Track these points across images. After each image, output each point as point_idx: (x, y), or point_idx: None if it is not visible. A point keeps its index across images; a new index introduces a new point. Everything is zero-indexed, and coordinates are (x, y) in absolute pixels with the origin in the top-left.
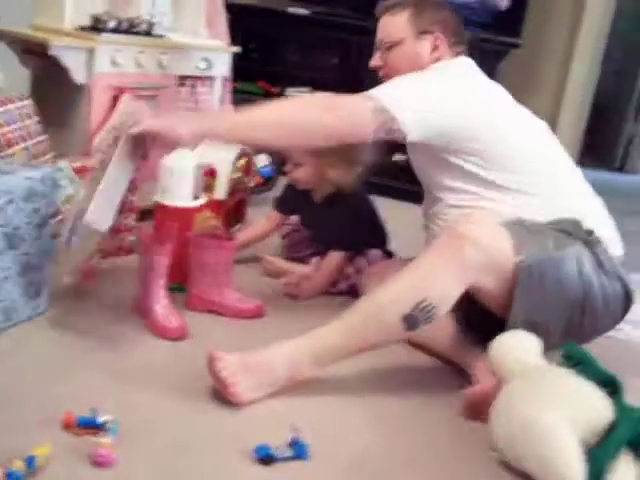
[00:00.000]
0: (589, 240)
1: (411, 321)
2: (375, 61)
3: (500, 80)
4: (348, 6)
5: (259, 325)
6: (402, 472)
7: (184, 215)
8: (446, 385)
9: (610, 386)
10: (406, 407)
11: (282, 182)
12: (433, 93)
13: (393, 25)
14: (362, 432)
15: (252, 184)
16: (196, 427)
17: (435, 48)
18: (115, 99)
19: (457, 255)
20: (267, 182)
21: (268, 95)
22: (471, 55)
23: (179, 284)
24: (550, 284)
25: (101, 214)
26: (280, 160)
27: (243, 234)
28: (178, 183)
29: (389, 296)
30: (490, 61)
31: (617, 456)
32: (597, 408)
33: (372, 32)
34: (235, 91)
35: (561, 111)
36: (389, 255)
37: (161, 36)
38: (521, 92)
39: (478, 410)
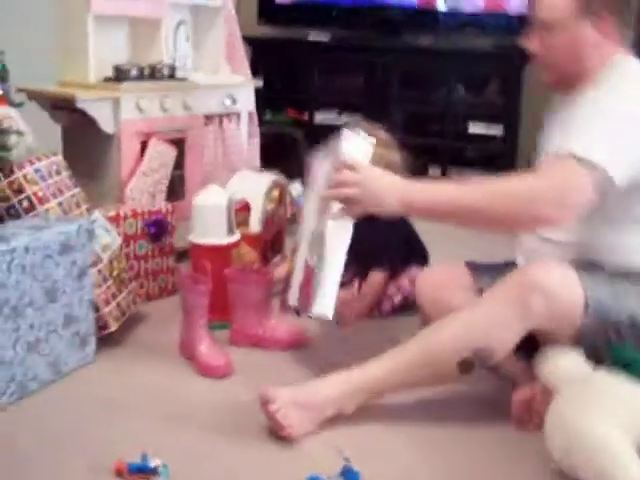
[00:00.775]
0: None
1: (467, 365)
2: (533, 43)
3: (526, 86)
4: (368, 28)
5: (303, 355)
6: None
7: (220, 252)
8: (487, 408)
9: None
10: (450, 430)
11: None
12: (626, 122)
13: (552, 2)
14: (410, 456)
15: (288, 214)
16: (246, 463)
17: (600, 34)
18: (144, 145)
19: (523, 304)
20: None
21: (297, 123)
22: (492, 64)
23: (223, 321)
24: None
25: (324, 300)
26: None
27: (288, 263)
28: (211, 221)
29: (446, 340)
30: (514, 67)
31: None
32: None
33: (393, 51)
34: (265, 122)
35: None
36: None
37: (184, 78)
38: (549, 97)
39: (527, 417)
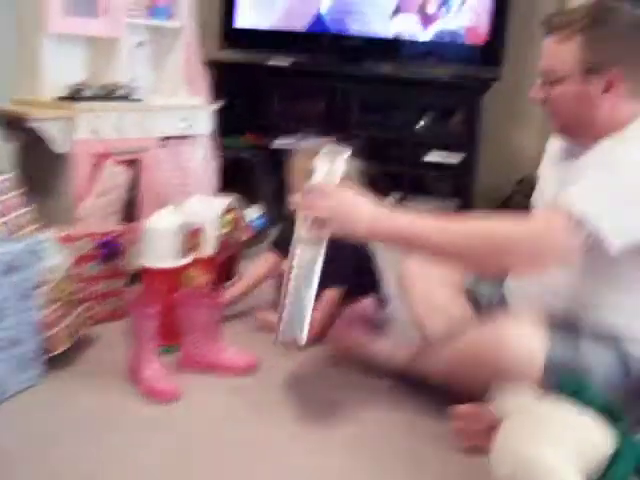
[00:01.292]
0: None
1: None
2: (535, 92)
3: (485, 114)
4: (329, 54)
5: (254, 380)
6: None
7: (170, 275)
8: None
9: (611, 413)
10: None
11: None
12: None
13: (556, 55)
14: None
15: (244, 238)
16: None
17: (609, 88)
18: (98, 166)
19: (490, 361)
20: (259, 235)
21: (257, 147)
22: (451, 93)
23: (172, 345)
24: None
25: (293, 326)
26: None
27: (241, 283)
28: (162, 243)
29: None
30: (472, 96)
31: None
32: (596, 440)
33: (354, 78)
34: (225, 147)
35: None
36: (382, 301)
37: (139, 99)
38: (508, 126)
39: (466, 434)
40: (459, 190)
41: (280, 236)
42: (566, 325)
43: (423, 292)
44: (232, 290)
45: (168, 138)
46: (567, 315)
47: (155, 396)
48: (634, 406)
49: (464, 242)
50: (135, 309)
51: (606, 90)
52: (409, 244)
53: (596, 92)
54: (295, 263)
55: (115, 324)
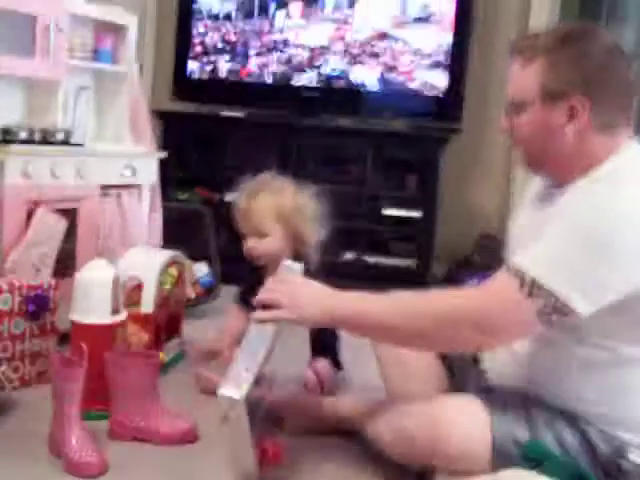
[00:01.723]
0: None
1: None
2: (502, 122)
3: (444, 168)
4: (284, 107)
5: (191, 451)
6: None
7: (102, 333)
8: None
9: None
10: None
11: (225, 291)
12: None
13: (519, 80)
14: None
15: (192, 295)
16: None
17: (572, 116)
18: (30, 214)
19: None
20: (208, 292)
21: (208, 201)
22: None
23: (104, 411)
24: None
25: (236, 381)
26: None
27: (222, 338)
28: (93, 297)
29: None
30: (432, 149)
31: None
32: None
33: (310, 131)
34: (174, 200)
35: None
36: (337, 364)
37: (80, 145)
38: (468, 180)
39: None
40: (418, 246)
41: (245, 288)
42: (526, 401)
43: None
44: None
45: (109, 187)
46: (530, 388)
47: (79, 469)
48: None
49: (415, 323)
50: (57, 369)
51: (570, 118)
52: (363, 329)
53: (559, 120)
54: (244, 340)
55: (44, 388)
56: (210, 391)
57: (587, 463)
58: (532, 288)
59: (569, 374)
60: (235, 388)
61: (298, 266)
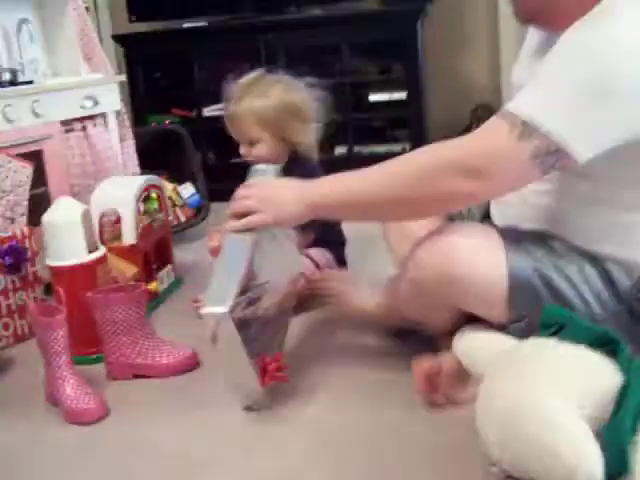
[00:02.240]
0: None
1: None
2: None
3: (428, 43)
4: (248, 7)
5: (194, 379)
6: None
7: (81, 273)
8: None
9: (608, 344)
10: (360, 424)
11: (215, 209)
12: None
13: None
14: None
15: (182, 218)
16: None
17: None
18: None
19: (442, 283)
20: (198, 213)
21: (187, 121)
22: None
23: (97, 353)
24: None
25: (218, 296)
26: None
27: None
28: (64, 239)
29: None
30: (408, 24)
31: (638, 424)
32: (597, 374)
33: (278, 28)
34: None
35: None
36: (342, 262)
37: (29, 82)
38: (453, 54)
39: (431, 389)
40: (410, 129)
41: None
42: (543, 245)
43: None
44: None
45: (72, 121)
46: (545, 236)
47: (77, 417)
48: (632, 331)
49: (400, 185)
50: (35, 319)
51: None
52: (347, 211)
53: None
54: (222, 254)
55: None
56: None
57: (610, 301)
58: (524, 130)
59: (573, 214)
60: (218, 304)
61: (272, 167)
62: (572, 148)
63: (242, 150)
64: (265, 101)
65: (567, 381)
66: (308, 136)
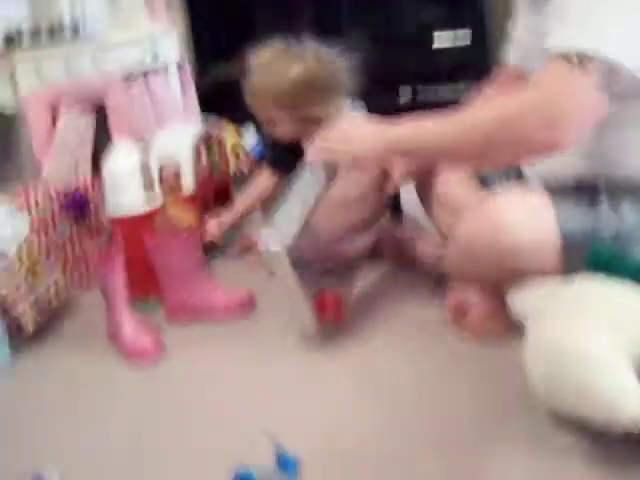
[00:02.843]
0: None
1: None
2: None
3: None
4: None
5: (250, 322)
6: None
7: (138, 221)
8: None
9: None
10: (407, 368)
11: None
12: None
13: None
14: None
15: (246, 168)
16: (166, 460)
17: None
18: (55, 118)
19: (490, 249)
20: (261, 162)
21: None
22: None
23: (157, 298)
24: None
25: (277, 233)
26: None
27: (239, 203)
28: (120, 188)
29: None
30: None
31: None
32: None
33: None
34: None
35: None
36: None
37: (91, 36)
38: None
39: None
40: (473, 71)
41: (274, 153)
42: (583, 189)
43: (437, 193)
44: (231, 213)
45: (133, 74)
46: (584, 177)
47: (136, 355)
48: None
49: (480, 130)
50: (97, 264)
51: None
52: (429, 152)
53: None
54: (294, 188)
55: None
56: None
57: None
58: (582, 62)
59: (610, 142)
60: (277, 240)
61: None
62: (625, 62)
63: (264, 126)
64: (282, 81)
65: (614, 318)
66: (331, 112)
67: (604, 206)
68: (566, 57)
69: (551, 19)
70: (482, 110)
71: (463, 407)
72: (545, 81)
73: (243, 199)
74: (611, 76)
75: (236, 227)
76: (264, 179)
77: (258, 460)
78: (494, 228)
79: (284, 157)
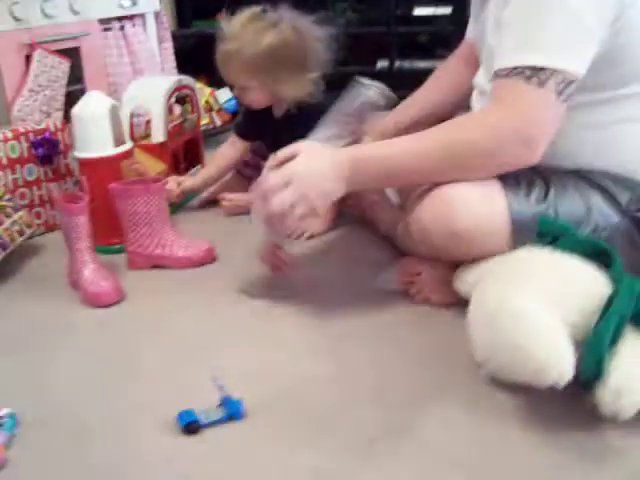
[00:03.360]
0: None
1: None
2: None
3: None
4: None
5: (209, 272)
6: (362, 413)
7: (105, 166)
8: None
9: (601, 257)
10: (357, 326)
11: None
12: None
13: None
14: (308, 368)
15: (218, 122)
16: (110, 407)
17: None
18: (29, 59)
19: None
20: (234, 117)
21: None
22: None
23: (119, 244)
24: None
25: None
26: None
27: (205, 170)
28: (91, 131)
29: None
30: None
31: (619, 334)
32: (584, 283)
33: None
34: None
35: None
36: None
37: None
38: None
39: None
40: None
41: (243, 120)
42: (539, 182)
43: None
44: (194, 177)
45: (110, 20)
46: (539, 170)
47: (94, 299)
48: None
49: (453, 161)
50: (59, 206)
51: None
52: (397, 182)
53: None
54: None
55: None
56: (234, 212)
57: (615, 218)
58: (537, 75)
59: (569, 134)
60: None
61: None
62: (573, 68)
63: (235, 93)
64: (255, 47)
65: (554, 286)
66: (303, 87)
67: (552, 192)
68: (519, 73)
69: (495, 33)
70: (455, 135)
71: (405, 366)
72: (509, 100)
73: (208, 167)
74: (569, 82)
75: (197, 191)
76: (230, 147)
77: (204, 404)
78: (447, 213)
79: (252, 125)
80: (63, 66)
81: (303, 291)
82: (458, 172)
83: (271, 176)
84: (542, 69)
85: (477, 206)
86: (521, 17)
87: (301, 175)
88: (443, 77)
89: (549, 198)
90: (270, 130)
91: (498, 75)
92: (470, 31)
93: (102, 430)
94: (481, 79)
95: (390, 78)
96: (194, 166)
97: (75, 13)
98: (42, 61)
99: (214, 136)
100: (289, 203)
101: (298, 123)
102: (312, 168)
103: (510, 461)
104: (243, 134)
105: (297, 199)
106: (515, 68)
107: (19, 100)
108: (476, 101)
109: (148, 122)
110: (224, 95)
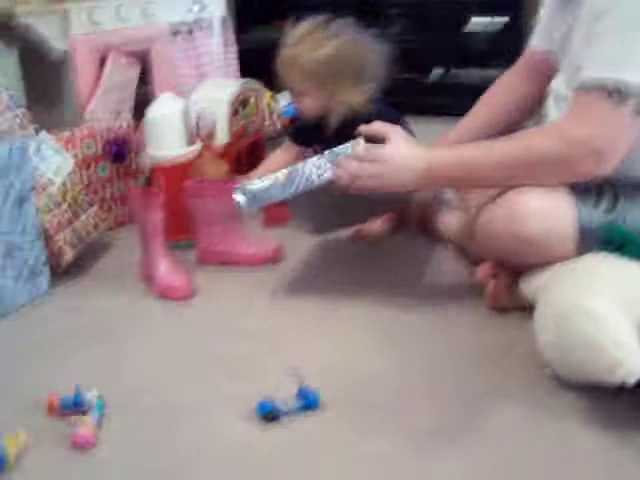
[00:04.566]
0: None
1: None
2: None
3: None
4: None
5: (275, 271)
6: (433, 406)
7: (177, 167)
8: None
9: None
10: (421, 324)
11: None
12: None
13: None
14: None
15: (278, 126)
16: (192, 395)
17: None
18: (103, 62)
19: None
20: (293, 122)
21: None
22: None
23: (189, 240)
24: None
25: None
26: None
27: (257, 172)
28: (164, 131)
29: None
30: None
31: None
32: None
33: None
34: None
35: None
36: None
37: None
38: None
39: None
40: (507, 55)
41: (297, 125)
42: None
43: None
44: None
45: (179, 25)
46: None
47: (167, 293)
48: None
49: (524, 171)
50: (136, 203)
51: None
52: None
53: None
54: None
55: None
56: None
57: None
58: (619, 92)
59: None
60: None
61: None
62: None
63: (292, 98)
64: (314, 55)
65: (623, 290)
66: (358, 98)
67: (620, 202)
68: (601, 87)
69: (585, 45)
70: (528, 150)
71: (468, 364)
72: (586, 117)
73: (258, 170)
74: None
75: None
76: (284, 152)
77: (281, 394)
78: (518, 218)
79: (306, 132)
80: (134, 69)
81: (368, 291)
82: (532, 179)
83: (363, 165)
84: (627, 85)
85: (547, 212)
86: (618, 30)
87: (388, 174)
88: (499, 96)
89: (617, 208)
90: (324, 138)
91: (583, 86)
92: (538, 39)
93: (183, 415)
94: (560, 85)
95: (444, 87)
96: (254, 169)
97: (147, 17)
98: (115, 64)
99: (274, 139)
100: (368, 191)
101: (352, 133)
102: (397, 164)
103: (571, 457)
104: (297, 140)
105: (376, 189)
106: (602, 80)
107: (93, 101)
108: (553, 107)
109: (212, 126)
110: (284, 100)
